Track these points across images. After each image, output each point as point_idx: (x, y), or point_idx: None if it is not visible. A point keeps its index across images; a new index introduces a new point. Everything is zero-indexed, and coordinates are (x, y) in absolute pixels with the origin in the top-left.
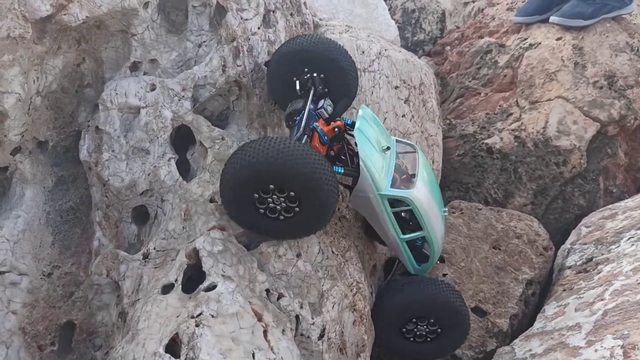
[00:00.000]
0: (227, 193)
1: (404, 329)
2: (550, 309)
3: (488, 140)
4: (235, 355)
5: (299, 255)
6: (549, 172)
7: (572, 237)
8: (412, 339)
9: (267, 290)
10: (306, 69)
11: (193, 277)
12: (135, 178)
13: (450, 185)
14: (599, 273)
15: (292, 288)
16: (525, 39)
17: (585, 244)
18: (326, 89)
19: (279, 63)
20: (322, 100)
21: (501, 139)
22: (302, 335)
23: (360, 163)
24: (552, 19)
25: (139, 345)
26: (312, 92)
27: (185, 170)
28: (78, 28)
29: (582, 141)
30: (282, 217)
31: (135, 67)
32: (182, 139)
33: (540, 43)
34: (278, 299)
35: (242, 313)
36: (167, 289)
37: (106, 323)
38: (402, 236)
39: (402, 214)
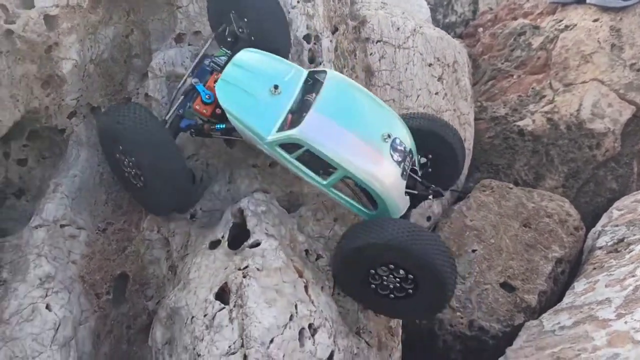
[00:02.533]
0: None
1: (370, 280)
2: (580, 285)
3: (520, 123)
4: (280, 305)
5: (335, 220)
6: (581, 155)
7: (603, 220)
8: (379, 291)
9: (306, 251)
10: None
11: (237, 235)
12: (181, 143)
13: (481, 166)
14: (631, 252)
15: (330, 250)
16: (561, 20)
17: (617, 225)
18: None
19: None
20: (221, 50)
21: (533, 121)
22: (338, 294)
23: (228, 116)
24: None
25: (190, 293)
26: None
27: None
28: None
29: (617, 124)
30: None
31: (180, 38)
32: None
33: (576, 25)
34: (317, 259)
35: (285, 269)
36: (214, 244)
37: (157, 275)
38: (323, 183)
39: (314, 158)
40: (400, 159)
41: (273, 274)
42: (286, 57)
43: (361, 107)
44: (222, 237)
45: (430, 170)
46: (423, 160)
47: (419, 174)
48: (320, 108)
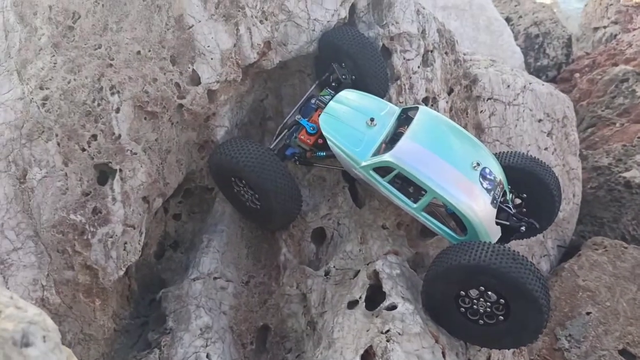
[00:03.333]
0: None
1: (460, 304)
2: None
3: (626, 174)
4: None
5: None
6: None
7: None
8: (469, 315)
9: None
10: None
11: (371, 295)
12: (317, 203)
13: (583, 219)
14: None
15: None
16: None
17: None
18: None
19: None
20: (325, 90)
21: None
22: (469, 359)
23: (329, 143)
24: None
25: (337, 353)
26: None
27: (352, 195)
28: (269, 70)
29: None
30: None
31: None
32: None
33: None
34: None
35: (423, 333)
36: (352, 304)
37: (296, 329)
38: (414, 206)
39: (403, 182)
40: (489, 187)
41: (413, 339)
42: (383, 97)
43: (451, 137)
44: (360, 297)
45: (524, 209)
46: (518, 201)
47: (512, 209)
48: (412, 136)
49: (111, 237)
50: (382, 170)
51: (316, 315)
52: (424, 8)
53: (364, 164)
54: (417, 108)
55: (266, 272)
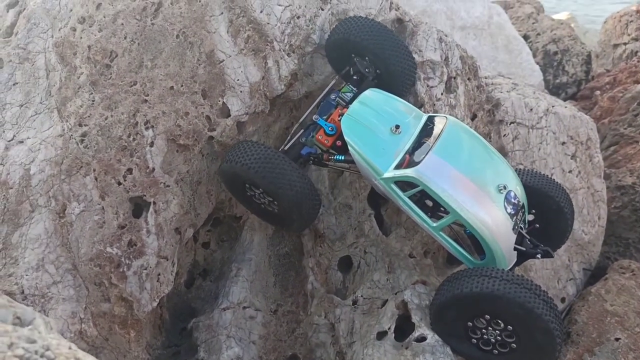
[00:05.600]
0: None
1: (469, 331)
2: None
3: None
4: None
5: None
6: None
7: None
8: (480, 344)
9: None
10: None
11: (400, 325)
12: (344, 231)
13: (607, 239)
14: None
15: None
16: None
17: None
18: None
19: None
20: (347, 87)
21: None
22: None
23: (350, 149)
24: None
25: None
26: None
27: (378, 221)
28: (295, 99)
29: None
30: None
31: None
32: (375, 195)
33: None
34: None
35: None
36: (381, 335)
37: (324, 359)
38: (433, 225)
39: (425, 200)
40: (513, 212)
41: None
42: (410, 89)
43: (480, 155)
44: (389, 328)
45: (537, 226)
46: (530, 217)
47: (526, 231)
48: (439, 151)
49: (145, 269)
50: (404, 184)
51: (345, 345)
52: (446, 36)
53: (385, 175)
54: (445, 118)
55: (294, 301)
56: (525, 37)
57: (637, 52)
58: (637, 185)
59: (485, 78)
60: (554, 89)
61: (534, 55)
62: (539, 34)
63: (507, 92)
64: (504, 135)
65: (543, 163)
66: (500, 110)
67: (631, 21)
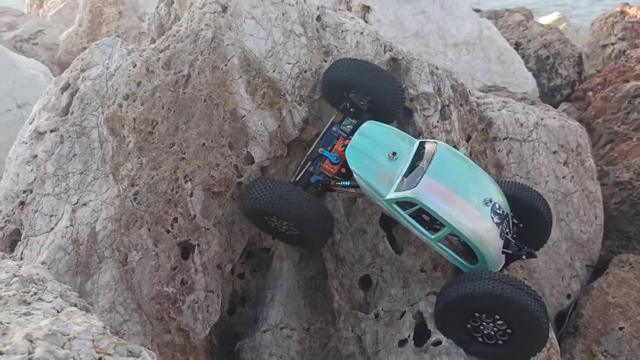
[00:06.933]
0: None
1: (469, 326)
2: None
3: None
4: None
5: None
6: None
7: None
8: (480, 338)
9: None
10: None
11: (418, 333)
12: (362, 254)
13: (610, 234)
14: None
15: None
16: None
17: None
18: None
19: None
20: (347, 120)
21: None
22: None
23: (355, 176)
24: None
25: None
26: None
27: (391, 242)
28: (308, 140)
29: None
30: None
31: None
32: (385, 218)
33: None
34: None
35: None
36: (402, 343)
37: None
38: (431, 237)
39: (423, 215)
40: (499, 221)
41: None
42: (398, 114)
43: (466, 174)
44: (408, 336)
45: (521, 225)
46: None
47: (513, 233)
48: (432, 173)
49: (197, 302)
50: (405, 203)
51: (372, 354)
52: (437, 68)
53: (388, 197)
54: (435, 143)
55: (323, 318)
56: (517, 44)
57: (624, 51)
58: (634, 180)
59: (478, 98)
60: (549, 92)
61: (527, 61)
62: (529, 41)
63: (498, 110)
64: (499, 150)
65: (537, 172)
66: (493, 128)
67: (617, 22)
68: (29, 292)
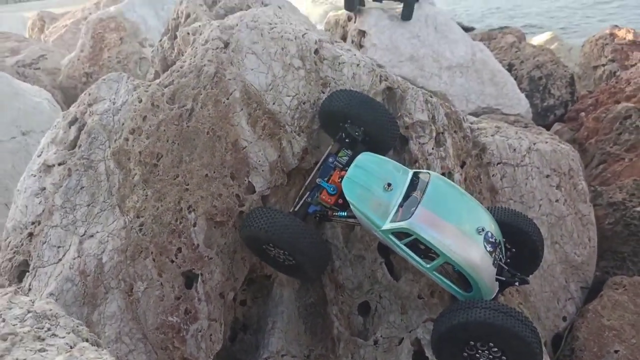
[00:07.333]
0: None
1: (466, 354)
2: None
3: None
4: None
5: None
6: None
7: None
8: None
9: None
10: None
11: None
12: (360, 280)
13: (604, 254)
14: None
15: None
16: None
17: None
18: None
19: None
20: (343, 151)
21: None
22: None
23: (351, 208)
24: None
25: None
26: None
27: (389, 268)
28: (307, 169)
29: None
30: None
31: None
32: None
33: None
34: None
35: None
36: None
37: None
38: (427, 266)
39: (419, 245)
40: (491, 250)
41: None
42: (392, 145)
43: (460, 204)
44: None
45: (513, 250)
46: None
47: (506, 266)
48: (427, 204)
49: (200, 331)
50: (401, 234)
51: None
52: (431, 97)
53: (384, 228)
54: (428, 173)
55: (323, 345)
56: (510, 66)
57: (615, 72)
58: (627, 200)
59: (471, 124)
60: (543, 112)
61: (520, 82)
62: (522, 62)
63: (492, 135)
64: (493, 175)
65: (531, 196)
66: (487, 153)
67: (607, 44)
68: (42, 328)
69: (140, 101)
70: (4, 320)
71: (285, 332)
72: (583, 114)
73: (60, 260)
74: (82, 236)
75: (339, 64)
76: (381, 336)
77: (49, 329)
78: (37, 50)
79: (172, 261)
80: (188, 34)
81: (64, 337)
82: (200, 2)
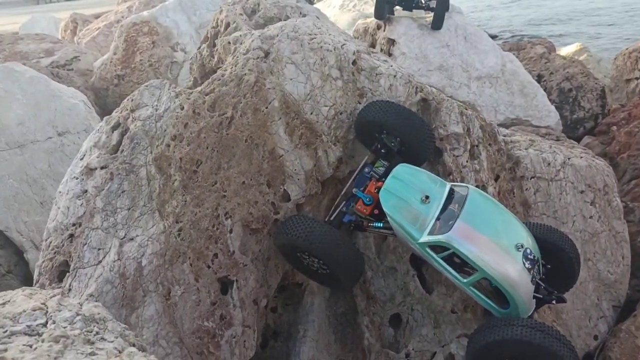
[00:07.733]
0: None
1: None
2: None
3: None
4: None
5: None
6: None
7: None
8: None
9: None
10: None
11: None
12: (392, 292)
13: (636, 272)
14: None
15: None
16: None
17: None
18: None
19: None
20: (379, 162)
21: None
22: None
23: (388, 219)
24: None
25: None
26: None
27: (421, 280)
28: (341, 178)
29: None
30: None
31: None
32: (416, 256)
33: None
34: None
35: None
36: None
37: None
38: (463, 281)
39: (455, 258)
40: (530, 267)
41: None
42: (428, 156)
43: (497, 218)
44: None
45: (549, 267)
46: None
47: (543, 284)
48: (465, 218)
49: (234, 337)
50: (438, 247)
51: None
52: (466, 109)
53: (421, 240)
54: (466, 187)
55: (353, 355)
56: (539, 77)
57: None
58: None
59: (505, 136)
60: (572, 125)
61: (549, 94)
62: (552, 73)
63: (526, 149)
64: (526, 189)
65: (565, 212)
66: (520, 167)
67: None
68: (92, 332)
69: (182, 108)
70: (54, 322)
71: (316, 341)
72: (615, 127)
73: (100, 262)
74: (122, 239)
75: (376, 74)
76: (413, 349)
77: (97, 333)
78: (71, 51)
79: (209, 267)
80: (229, 42)
81: (112, 342)
82: (240, 11)
